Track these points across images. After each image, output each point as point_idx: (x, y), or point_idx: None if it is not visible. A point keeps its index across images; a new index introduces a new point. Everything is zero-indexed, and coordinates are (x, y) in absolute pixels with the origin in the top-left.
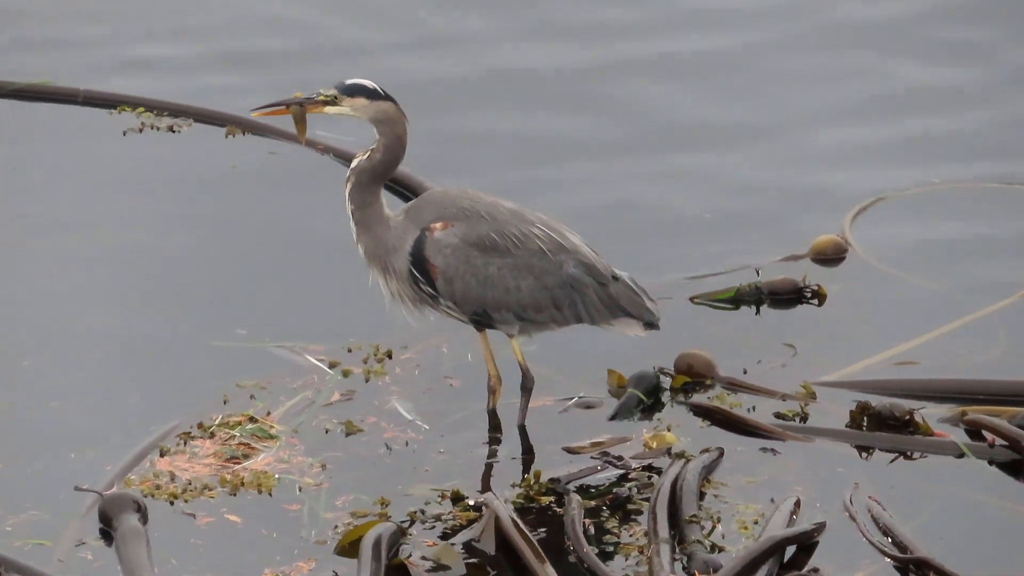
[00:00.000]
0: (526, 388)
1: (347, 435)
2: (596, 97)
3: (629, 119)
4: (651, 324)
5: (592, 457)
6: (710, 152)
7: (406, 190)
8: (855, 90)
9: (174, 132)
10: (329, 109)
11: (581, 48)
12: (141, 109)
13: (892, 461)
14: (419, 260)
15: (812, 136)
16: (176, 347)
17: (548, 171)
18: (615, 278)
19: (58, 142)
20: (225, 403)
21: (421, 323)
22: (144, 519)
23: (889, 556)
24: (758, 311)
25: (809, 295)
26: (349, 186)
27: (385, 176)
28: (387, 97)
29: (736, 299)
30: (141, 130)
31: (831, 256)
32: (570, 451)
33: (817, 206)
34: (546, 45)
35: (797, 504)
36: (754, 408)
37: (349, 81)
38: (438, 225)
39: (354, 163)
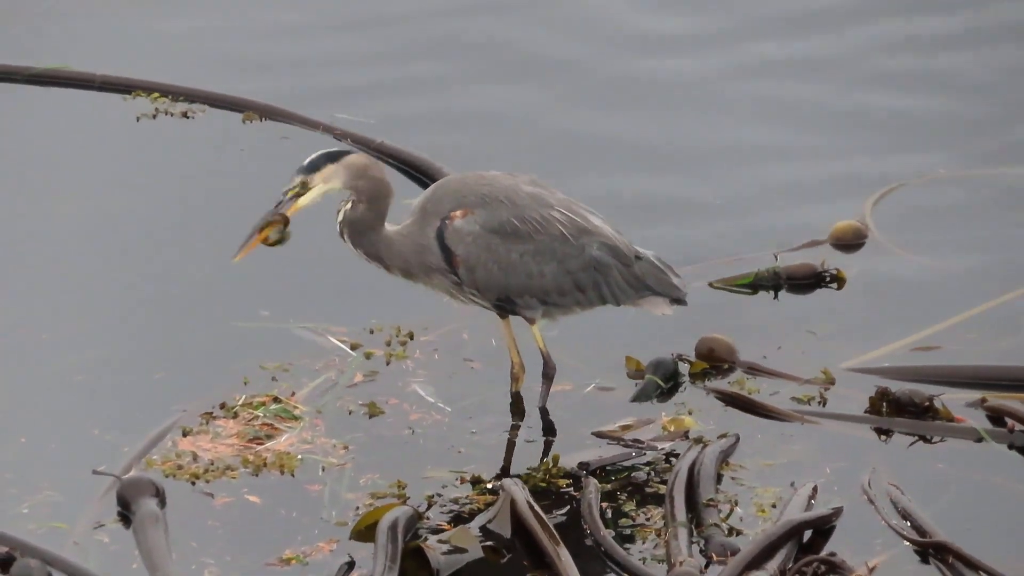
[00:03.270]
0: (547, 375)
1: (370, 417)
2: (605, 87)
3: (641, 109)
4: (678, 300)
5: (608, 443)
6: (726, 138)
7: (422, 174)
8: (867, 81)
9: (188, 118)
10: (303, 201)
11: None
12: (156, 95)
13: (911, 446)
14: (443, 249)
15: (823, 126)
16: (200, 327)
17: (563, 162)
18: (638, 257)
19: (74, 127)
20: (245, 384)
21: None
22: (162, 503)
23: (908, 540)
24: (776, 296)
25: (828, 280)
26: (348, 239)
27: (383, 218)
28: (346, 151)
29: (755, 284)
30: (155, 116)
31: (851, 242)
32: (600, 435)
33: (836, 192)
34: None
35: (815, 488)
36: (777, 392)
37: (306, 160)
38: (457, 213)
39: (340, 215)
